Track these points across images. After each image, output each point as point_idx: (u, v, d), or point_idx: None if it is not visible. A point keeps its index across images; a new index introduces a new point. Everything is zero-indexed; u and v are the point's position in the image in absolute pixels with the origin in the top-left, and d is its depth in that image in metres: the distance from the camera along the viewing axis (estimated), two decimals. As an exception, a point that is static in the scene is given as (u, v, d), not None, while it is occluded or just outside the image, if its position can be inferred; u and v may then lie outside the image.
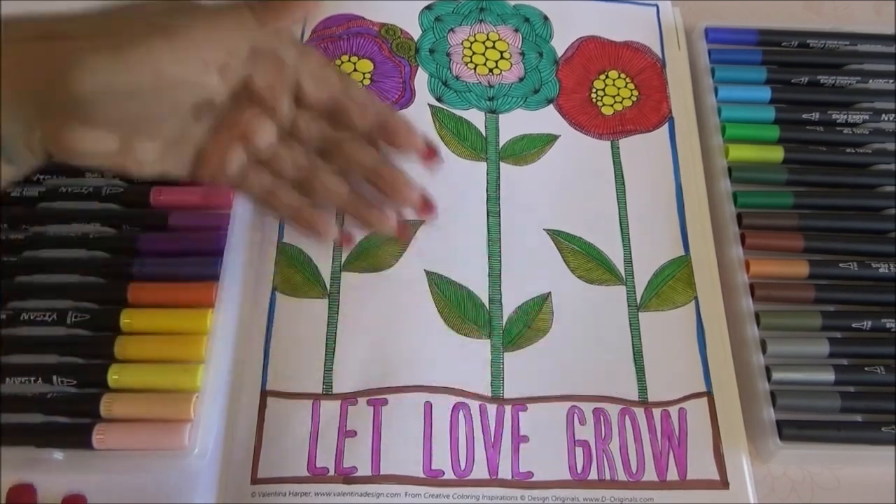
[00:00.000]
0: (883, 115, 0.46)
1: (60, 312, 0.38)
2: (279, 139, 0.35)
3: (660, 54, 0.49)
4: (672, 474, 0.36)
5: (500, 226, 0.42)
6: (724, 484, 0.36)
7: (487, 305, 0.40)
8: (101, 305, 0.38)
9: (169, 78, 0.28)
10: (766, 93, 0.47)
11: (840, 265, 0.41)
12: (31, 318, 0.37)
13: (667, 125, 0.46)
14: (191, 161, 0.34)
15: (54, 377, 0.36)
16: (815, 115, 0.46)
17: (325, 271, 0.40)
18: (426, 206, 0.38)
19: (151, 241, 0.40)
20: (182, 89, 0.30)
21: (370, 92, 0.39)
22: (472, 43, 0.48)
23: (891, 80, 0.47)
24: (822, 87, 0.48)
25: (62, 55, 0.27)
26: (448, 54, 0.47)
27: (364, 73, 0.46)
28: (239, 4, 0.31)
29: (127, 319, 0.37)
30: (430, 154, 0.37)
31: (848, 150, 0.45)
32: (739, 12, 0.52)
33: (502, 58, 0.48)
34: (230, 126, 0.34)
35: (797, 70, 0.48)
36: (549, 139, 0.45)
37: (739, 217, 0.42)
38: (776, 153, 0.44)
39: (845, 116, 0.46)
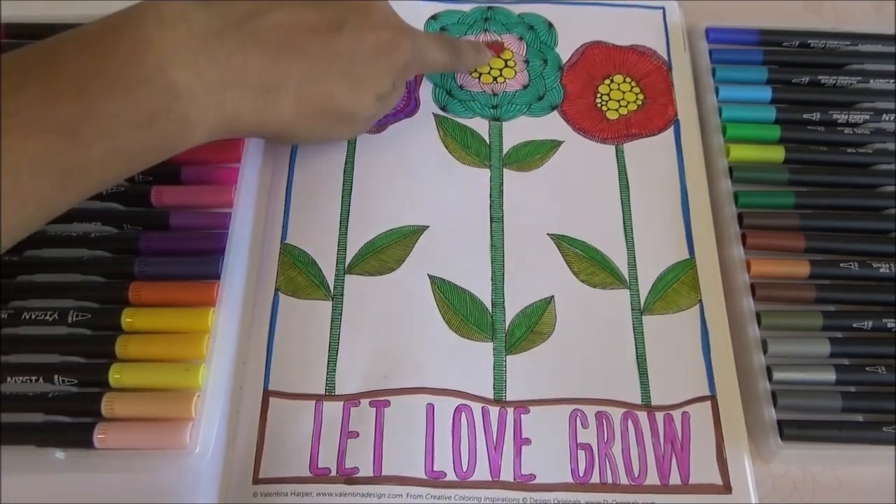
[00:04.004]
0: (884, 115, 0.46)
1: (62, 311, 0.37)
2: None
3: (666, 57, 0.48)
4: (674, 478, 0.36)
5: (503, 231, 0.42)
6: (726, 488, 0.36)
7: (490, 309, 0.40)
8: (103, 304, 0.38)
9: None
10: (766, 93, 0.47)
11: (841, 265, 0.41)
12: (33, 317, 0.37)
13: (672, 128, 0.46)
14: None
15: (55, 376, 0.36)
16: (816, 115, 0.46)
17: (329, 273, 0.40)
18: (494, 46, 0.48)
19: (153, 240, 0.40)
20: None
21: (468, 41, 0.47)
22: (476, 52, 0.48)
23: (891, 80, 0.47)
24: (823, 87, 0.48)
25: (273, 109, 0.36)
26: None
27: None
28: (399, 36, 0.39)
29: (128, 318, 0.37)
30: (497, 48, 0.48)
31: (849, 150, 0.45)
32: (740, 12, 0.52)
33: (506, 66, 0.48)
34: None
35: (798, 70, 0.48)
36: (553, 145, 0.45)
37: (740, 217, 0.42)
38: (777, 153, 0.44)
39: (846, 116, 0.46)
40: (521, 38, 0.49)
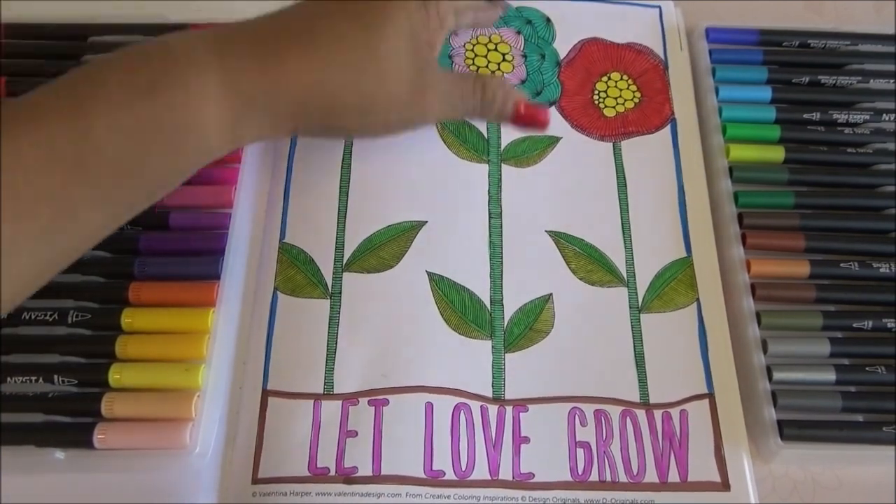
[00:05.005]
0: (884, 115, 0.46)
1: (62, 312, 0.38)
2: None
3: (662, 56, 0.48)
4: (673, 476, 0.36)
5: (501, 227, 0.42)
6: (724, 486, 0.36)
7: (489, 306, 0.40)
8: (103, 304, 0.38)
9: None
10: (766, 93, 0.47)
11: (841, 265, 0.41)
12: (33, 317, 0.37)
13: (669, 127, 0.46)
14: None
15: (55, 376, 0.36)
16: (816, 115, 0.46)
17: (327, 272, 0.40)
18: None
19: (153, 240, 0.40)
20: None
21: None
22: (474, 45, 0.48)
23: (891, 80, 0.47)
24: (823, 87, 0.48)
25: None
26: (450, 56, 0.47)
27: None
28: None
29: (128, 319, 0.37)
30: None
31: (849, 149, 0.45)
32: (740, 12, 0.52)
33: (504, 60, 0.48)
34: None
35: (798, 70, 0.48)
36: (551, 141, 0.45)
37: (740, 217, 0.42)
38: (777, 153, 0.44)
39: (846, 116, 0.46)
40: (518, 32, 0.49)
